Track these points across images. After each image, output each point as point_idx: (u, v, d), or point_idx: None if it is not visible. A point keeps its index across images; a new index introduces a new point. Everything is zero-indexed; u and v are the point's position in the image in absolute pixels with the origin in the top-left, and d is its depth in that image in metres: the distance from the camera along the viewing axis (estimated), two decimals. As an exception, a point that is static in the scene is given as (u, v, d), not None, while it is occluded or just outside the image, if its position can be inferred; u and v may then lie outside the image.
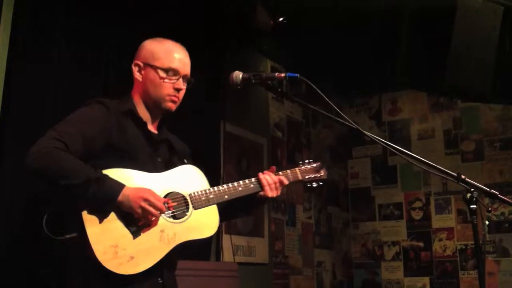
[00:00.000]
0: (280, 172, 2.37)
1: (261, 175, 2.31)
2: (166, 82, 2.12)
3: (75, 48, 3.09)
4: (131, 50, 3.35)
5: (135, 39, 3.37)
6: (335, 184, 6.09)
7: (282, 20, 4.36)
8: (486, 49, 3.68)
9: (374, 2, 4.01)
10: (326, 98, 2.01)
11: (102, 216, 1.90)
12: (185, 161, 2.24)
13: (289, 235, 5.14)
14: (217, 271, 3.46)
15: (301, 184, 2.50)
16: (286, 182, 2.35)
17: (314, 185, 2.50)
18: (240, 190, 2.24)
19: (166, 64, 2.13)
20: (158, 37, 2.23)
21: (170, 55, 2.15)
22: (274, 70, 5.11)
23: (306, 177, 2.46)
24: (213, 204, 2.16)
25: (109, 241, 1.88)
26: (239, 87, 2.17)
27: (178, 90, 2.14)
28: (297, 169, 2.45)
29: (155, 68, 2.12)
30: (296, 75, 2.07)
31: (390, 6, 3.94)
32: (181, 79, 2.15)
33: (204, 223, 2.12)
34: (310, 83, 2.03)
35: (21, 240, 2.69)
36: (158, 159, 2.14)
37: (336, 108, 2.06)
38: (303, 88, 5.21)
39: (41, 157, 1.85)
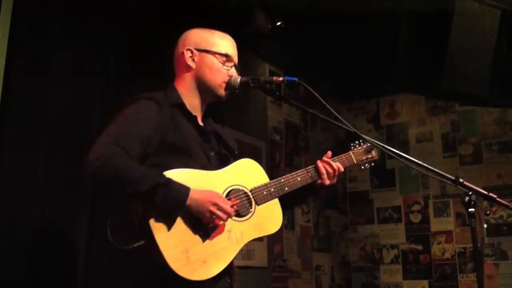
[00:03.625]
0: (336, 158, 2.35)
1: (319, 163, 2.28)
2: (223, 68, 2.10)
3: (74, 49, 3.10)
4: (131, 51, 3.39)
5: (134, 41, 3.42)
6: (333, 187, 6.08)
7: (280, 24, 4.37)
8: (484, 52, 3.69)
9: (372, 5, 4.02)
10: (324, 102, 2.02)
11: (169, 222, 1.82)
12: (236, 152, 2.21)
13: (288, 239, 5.14)
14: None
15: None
16: (342, 169, 2.33)
17: (367, 166, 2.51)
18: (299, 181, 2.21)
19: (223, 50, 2.11)
20: (199, 27, 2.18)
21: (225, 42, 2.14)
22: (272, 73, 5.12)
23: (360, 160, 2.46)
24: (274, 198, 2.11)
25: (179, 247, 1.81)
26: (237, 90, 2.17)
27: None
28: (351, 153, 2.45)
29: (212, 53, 2.10)
30: (294, 78, 2.08)
31: (387, 10, 3.95)
32: (234, 67, 2.14)
33: (268, 218, 2.08)
34: (308, 86, 2.04)
35: (21, 241, 2.70)
36: (211, 153, 2.08)
37: (334, 112, 2.07)
38: (302, 91, 5.22)
39: (103, 165, 1.76)
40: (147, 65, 3.35)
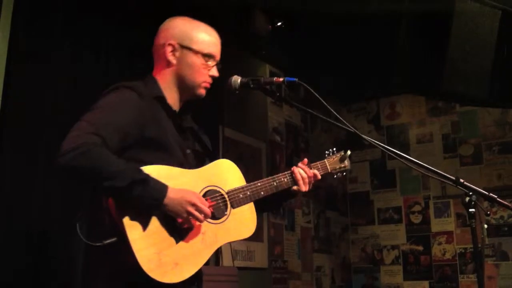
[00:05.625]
0: (311, 165, 2.31)
1: (295, 169, 2.23)
2: (205, 68, 2.02)
3: (74, 48, 3.10)
4: (130, 50, 3.40)
5: (134, 40, 3.43)
6: (333, 188, 6.09)
7: (280, 25, 4.37)
8: (484, 53, 3.69)
9: (372, 6, 4.02)
10: (324, 103, 2.01)
11: (144, 220, 1.75)
12: (210, 149, 2.16)
13: (288, 240, 5.14)
14: (216, 276, 3.46)
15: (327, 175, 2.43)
16: (319, 176, 2.29)
17: (339, 175, 2.47)
18: (275, 186, 2.15)
19: (206, 49, 2.02)
20: (185, 16, 2.10)
21: (208, 39, 2.04)
22: (272, 74, 5.12)
23: (334, 168, 2.42)
24: (250, 202, 2.07)
25: (152, 248, 1.74)
26: (237, 91, 2.14)
27: (213, 77, 2.06)
28: (326, 161, 2.40)
29: (195, 52, 2.01)
30: (294, 79, 2.06)
31: (388, 10, 3.95)
32: (215, 66, 2.07)
33: (243, 223, 2.03)
34: (308, 87, 2.02)
35: (21, 241, 2.70)
36: (187, 151, 2.01)
37: (335, 112, 2.06)
38: (302, 92, 5.23)
39: (80, 155, 1.66)
40: (147, 65, 3.35)
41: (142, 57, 3.41)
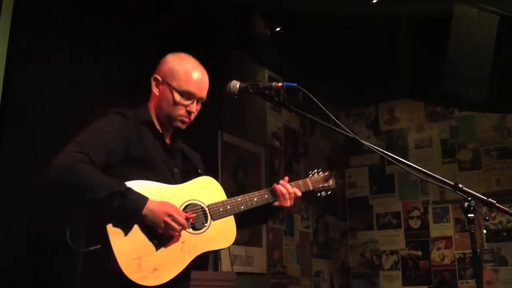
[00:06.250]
0: (293, 183, 2.42)
1: (276, 186, 2.36)
2: (181, 104, 2.13)
3: (74, 48, 3.10)
4: (130, 50, 3.40)
5: (134, 41, 3.43)
6: (332, 193, 6.08)
7: (279, 30, 4.38)
8: (482, 57, 3.70)
9: (371, 11, 4.03)
10: (323, 108, 2.01)
11: (126, 229, 1.91)
12: (199, 171, 2.28)
13: (287, 245, 5.13)
14: (215, 281, 3.46)
15: (311, 194, 2.53)
16: (299, 193, 2.41)
17: (323, 194, 2.58)
18: (256, 201, 2.29)
19: (183, 87, 2.13)
20: (181, 52, 2.22)
21: (189, 77, 2.15)
22: (271, 79, 5.12)
23: (316, 187, 2.53)
24: (230, 215, 2.20)
25: (133, 254, 1.90)
26: (236, 96, 2.17)
27: (190, 112, 2.15)
28: (307, 179, 2.51)
29: (171, 88, 2.13)
30: (293, 84, 2.07)
31: (387, 16, 3.96)
32: (195, 102, 2.16)
33: (222, 233, 2.16)
34: (307, 92, 2.03)
35: (20, 240, 2.70)
36: (175, 170, 2.17)
37: (333, 117, 2.06)
38: (300, 97, 5.23)
39: (65, 171, 1.85)
40: (147, 65, 3.36)
41: (142, 57, 3.44)
